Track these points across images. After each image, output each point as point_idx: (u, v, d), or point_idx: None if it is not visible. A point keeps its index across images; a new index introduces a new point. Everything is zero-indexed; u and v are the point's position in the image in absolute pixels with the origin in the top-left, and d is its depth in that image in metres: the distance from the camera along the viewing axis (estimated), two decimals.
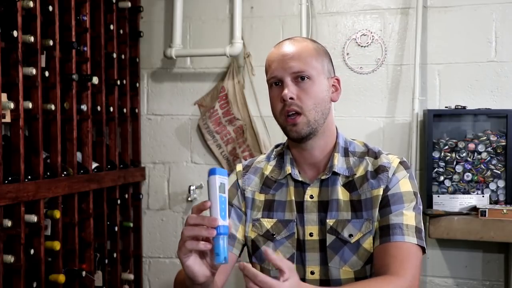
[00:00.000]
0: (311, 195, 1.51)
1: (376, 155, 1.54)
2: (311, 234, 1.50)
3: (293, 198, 1.53)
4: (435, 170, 2.63)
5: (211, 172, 1.21)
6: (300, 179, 1.53)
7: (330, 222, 1.48)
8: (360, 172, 1.52)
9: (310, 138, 1.50)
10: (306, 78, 1.47)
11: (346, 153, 1.55)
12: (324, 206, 1.50)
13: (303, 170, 1.55)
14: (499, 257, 2.73)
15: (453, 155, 2.62)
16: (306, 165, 1.55)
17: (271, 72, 1.50)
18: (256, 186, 1.58)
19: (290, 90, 1.45)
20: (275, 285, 1.18)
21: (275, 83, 1.49)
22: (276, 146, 1.65)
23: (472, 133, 2.64)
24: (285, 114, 1.47)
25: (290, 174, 1.54)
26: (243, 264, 1.19)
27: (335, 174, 1.51)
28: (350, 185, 1.51)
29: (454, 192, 2.62)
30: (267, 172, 1.59)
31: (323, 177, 1.51)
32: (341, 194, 1.50)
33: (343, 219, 1.48)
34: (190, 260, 1.23)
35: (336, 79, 1.55)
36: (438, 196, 2.61)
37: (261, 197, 1.56)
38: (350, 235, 1.47)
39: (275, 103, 1.50)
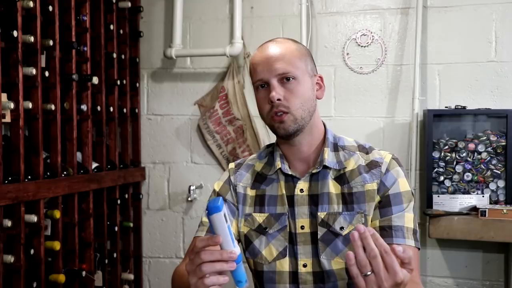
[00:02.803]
0: (301, 189, 1.53)
1: (367, 151, 1.57)
2: (302, 227, 1.52)
3: (284, 192, 1.55)
4: (435, 170, 2.63)
5: (216, 209, 1.16)
6: (290, 173, 1.55)
7: (321, 215, 1.50)
8: (351, 165, 1.54)
9: (297, 135, 1.52)
10: (291, 79, 1.49)
11: (336, 147, 1.57)
12: (314, 200, 1.52)
13: (293, 165, 1.57)
14: (499, 257, 2.73)
15: (453, 155, 2.62)
16: (296, 160, 1.57)
17: (256, 75, 1.52)
18: (248, 181, 1.61)
19: (277, 92, 1.48)
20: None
21: (261, 85, 1.52)
22: (268, 146, 1.67)
23: (472, 133, 2.64)
24: (271, 115, 1.50)
25: (280, 168, 1.56)
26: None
27: (326, 168, 1.53)
28: (341, 178, 1.53)
29: (454, 192, 2.62)
30: (258, 169, 1.62)
31: (313, 171, 1.53)
32: (332, 187, 1.52)
33: (334, 212, 1.50)
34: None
35: (319, 77, 1.59)
36: (438, 196, 2.61)
37: (252, 193, 1.59)
38: (341, 228, 1.49)
39: (263, 104, 1.52)
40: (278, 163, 1.56)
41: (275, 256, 1.52)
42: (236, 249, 1.19)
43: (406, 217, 1.48)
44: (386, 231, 1.46)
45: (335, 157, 1.55)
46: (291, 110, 1.48)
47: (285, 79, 1.49)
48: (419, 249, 1.49)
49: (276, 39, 1.58)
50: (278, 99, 1.47)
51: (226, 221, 1.18)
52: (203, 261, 1.18)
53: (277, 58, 1.50)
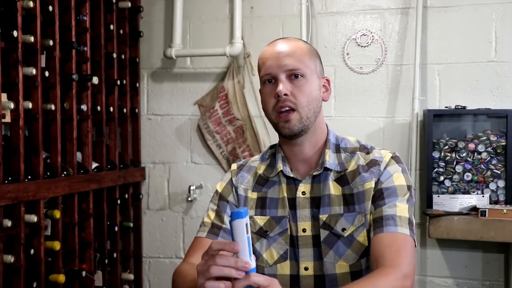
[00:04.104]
0: (303, 191, 1.52)
1: (368, 151, 1.55)
2: (304, 230, 1.51)
3: (285, 195, 1.54)
4: (435, 170, 2.63)
5: (239, 215, 1.16)
6: (291, 175, 1.54)
7: (323, 217, 1.49)
8: (351, 166, 1.53)
9: (301, 135, 1.51)
10: (300, 76, 1.48)
11: (338, 149, 1.56)
12: (316, 202, 1.51)
13: (294, 167, 1.56)
14: (499, 257, 2.73)
15: (453, 155, 2.62)
16: (298, 161, 1.55)
17: (265, 69, 1.51)
18: (249, 184, 1.59)
19: (284, 87, 1.47)
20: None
21: (269, 80, 1.51)
22: (271, 147, 1.66)
23: (472, 133, 2.64)
24: (277, 110, 1.48)
25: (281, 171, 1.55)
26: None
27: (327, 170, 1.52)
28: (342, 180, 1.52)
29: (454, 192, 2.62)
30: (260, 171, 1.60)
31: (314, 173, 1.52)
32: (333, 189, 1.51)
33: (335, 213, 1.49)
34: None
35: (326, 79, 1.58)
36: (438, 196, 2.61)
37: (253, 195, 1.58)
38: (343, 229, 1.48)
39: (268, 99, 1.50)
40: (280, 166, 1.55)
41: (276, 259, 1.51)
42: (252, 263, 1.17)
43: (398, 207, 1.45)
44: (377, 222, 1.44)
45: (337, 158, 1.54)
46: (297, 106, 1.47)
47: (293, 75, 1.48)
48: (414, 240, 1.45)
49: (287, 37, 1.58)
50: (285, 94, 1.46)
51: (247, 232, 1.16)
52: (215, 264, 1.16)
53: (287, 54, 1.49)
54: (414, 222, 1.48)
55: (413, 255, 1.43)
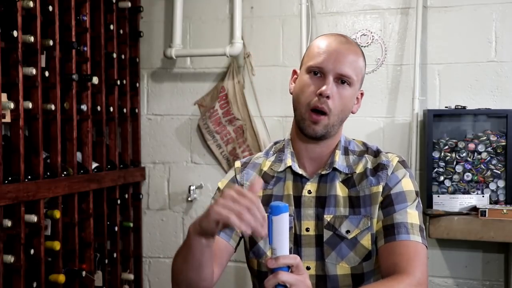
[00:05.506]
0: (309, 190, 1.52)
1: (375, 154, 1.56)
2: (307, 229, 1.51)
3: (291, 192, 1.53)
4: (435, 170, 2.63)
5: (279, 210, 1.17)
6: (300, 172, 1.54)
7: (327, 217, 1.49)
8: (359, 169, 1.53)
9: (321, 139, 1.51)
10: (346, 84, 1.48)
11: (346, 151, 1.56)
12: (321, 202, 1.51)
13: (303, 164, 1.56)
14: (499, 257, 2.73)
15: (453, 155, 2.62)
16: (307, 159, 1.55)
17: (317, 61, 1.48)
18: None
19: (330, 88, 1.46)
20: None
21: (315, 72, 1.49)
22: (275, 143, 1.65)
23: (472, 133, 2.64)
24: (312, 107, 1.46)
25: (290, 167, 1.54)
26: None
27: (335, 170, 1.52)
28: (349, 182, 1.52)
29: (454, 192, 2.62)
30: (265, 168, 1.60)
31: (323, 172, 1.52)
32: (340, 190, 1.51)
33: (340, 215, 1.49)
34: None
35: (361, 93, 1.58)
36: (438, 196, 2.61)
37: (259, 192, 1.57)
38: (347, 231, 1.48)
39: (306, 91, 1.48)
40: (289, 161, 1.55)
41: None
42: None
43: (409, 214, 1.46)
44: (389, 230, 1.44)
45: (345, 160, 1.54)
46: (331, 112, 1.46)
47: (341, 81, 1.47)
48: (426, 247, 1.45)
49: (348, 39, 1.54)
50: (327, 96, 1.45)
51: (287, 227, 1.17)
52: (250, 210, 1.16)
53: (347, 58, 1.48)
54: (424, 228, 1.48)
55: (426, 263, 1.44)
